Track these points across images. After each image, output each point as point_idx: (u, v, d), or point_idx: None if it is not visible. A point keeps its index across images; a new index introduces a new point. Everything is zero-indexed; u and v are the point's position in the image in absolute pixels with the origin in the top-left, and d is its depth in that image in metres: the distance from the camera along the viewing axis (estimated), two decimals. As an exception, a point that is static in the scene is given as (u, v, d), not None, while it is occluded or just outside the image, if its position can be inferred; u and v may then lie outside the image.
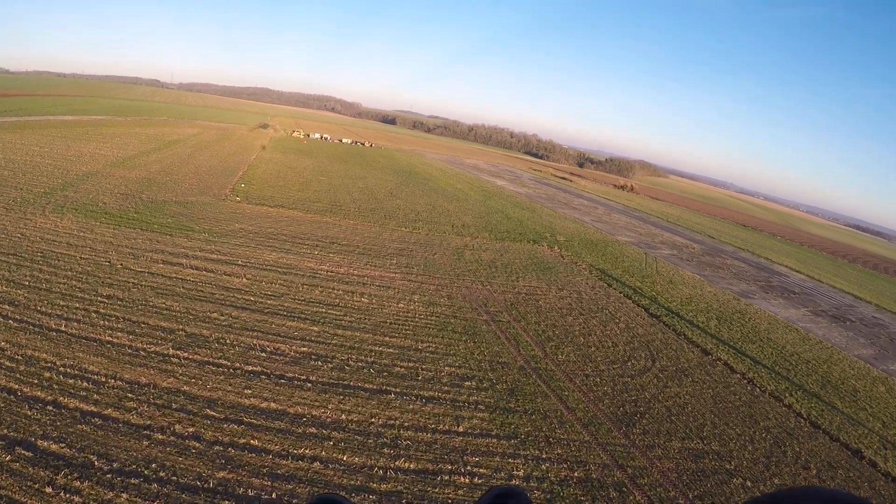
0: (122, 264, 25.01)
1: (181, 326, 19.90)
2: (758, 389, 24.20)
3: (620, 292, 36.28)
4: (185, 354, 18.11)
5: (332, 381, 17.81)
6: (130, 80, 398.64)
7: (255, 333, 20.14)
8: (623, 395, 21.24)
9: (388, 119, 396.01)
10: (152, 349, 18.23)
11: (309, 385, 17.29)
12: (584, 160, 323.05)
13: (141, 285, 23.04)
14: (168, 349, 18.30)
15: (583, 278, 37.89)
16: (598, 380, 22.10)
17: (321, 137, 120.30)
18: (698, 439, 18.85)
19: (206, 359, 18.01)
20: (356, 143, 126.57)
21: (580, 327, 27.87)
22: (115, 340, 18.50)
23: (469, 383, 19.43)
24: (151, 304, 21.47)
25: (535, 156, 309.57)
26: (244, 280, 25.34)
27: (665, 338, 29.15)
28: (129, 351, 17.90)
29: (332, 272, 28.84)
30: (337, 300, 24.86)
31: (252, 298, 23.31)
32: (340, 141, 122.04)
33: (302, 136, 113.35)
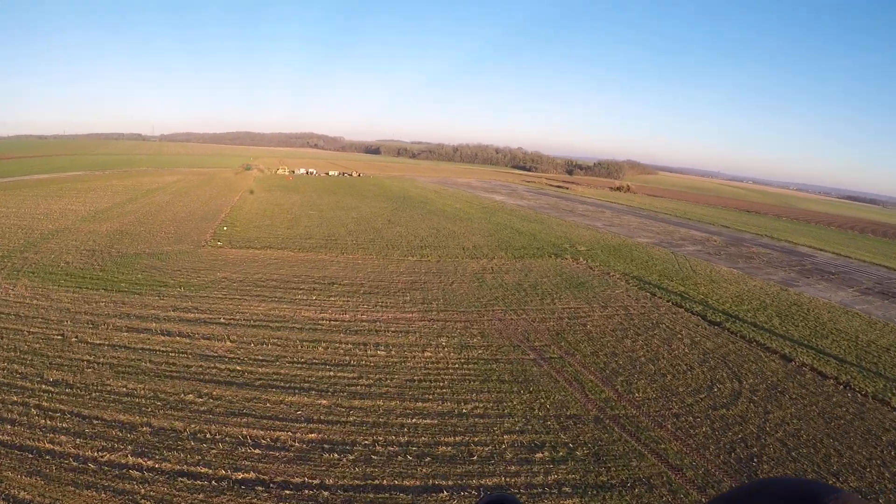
0: (77, 336, 20.13)
1: (146, 419, 14.83)
2: (859, 395, 20.65)
3: (668, 301, 31.53)
4: (150, 463, 13.08)
5: (357, 482, 12.65)
6: (113, 136, 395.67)
7: (245, 419, 15.00)
8: (726, 433, 16.56)
9: (373, 149, 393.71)
10: (105, 458, 13.25)
11: (326, 495, 12.10)
12: (572, 167, 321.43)
13: (98, 363, 18.11)
14: (126, 457, 13.26)
15: (622, 290, 33.01)
16: (692, 419, 17.26)
17: (307, 172, 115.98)
18: (831, 475, 14.86)
19: (177, 467, 12.97)
20: (343, 174, 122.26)
21: (644, 351, 22.97)
22: (56, 449, 13.54)
23: (540, 455, 14.36)
24: (109, 388, 16.47)
25: (523, 168, 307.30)
26: (228, 343, 20.26)
27: (737, 348, 24.72)
28: (74, 464, 12.92)
29: (335, 320, 23.79)
30: (347, 358, 19.77)
31: (239, 368, 18.20)
32: (327, 174, 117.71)
33: (287, 173, 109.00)
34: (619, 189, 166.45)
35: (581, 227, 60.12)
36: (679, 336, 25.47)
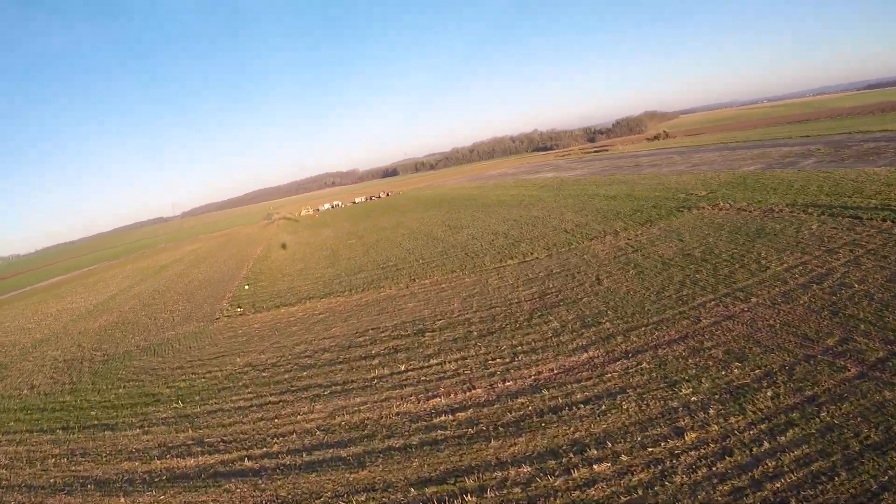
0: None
1: None
2: None
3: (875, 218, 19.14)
4: None
5: None
6: (135, 225, 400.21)
7: None
8: None
9: (390, 172, 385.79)
10: None
11: None
12: (592, 134, 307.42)
13: None
14: None
15: (815, 224, 21.07)
16: None
17: (332, 206, 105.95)
18: None
19: None
20: (370, 198, 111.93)
21: None
22: None
23: None
24: None
25: (544, 149, 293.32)
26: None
27: None
28: None
29: (462, 408, 12.37)
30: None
31: None
32: (353, 202, 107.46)
33: (311, 212, 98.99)
34: (656, 138, 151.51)
35: (670, 175, 47.23)
36: None
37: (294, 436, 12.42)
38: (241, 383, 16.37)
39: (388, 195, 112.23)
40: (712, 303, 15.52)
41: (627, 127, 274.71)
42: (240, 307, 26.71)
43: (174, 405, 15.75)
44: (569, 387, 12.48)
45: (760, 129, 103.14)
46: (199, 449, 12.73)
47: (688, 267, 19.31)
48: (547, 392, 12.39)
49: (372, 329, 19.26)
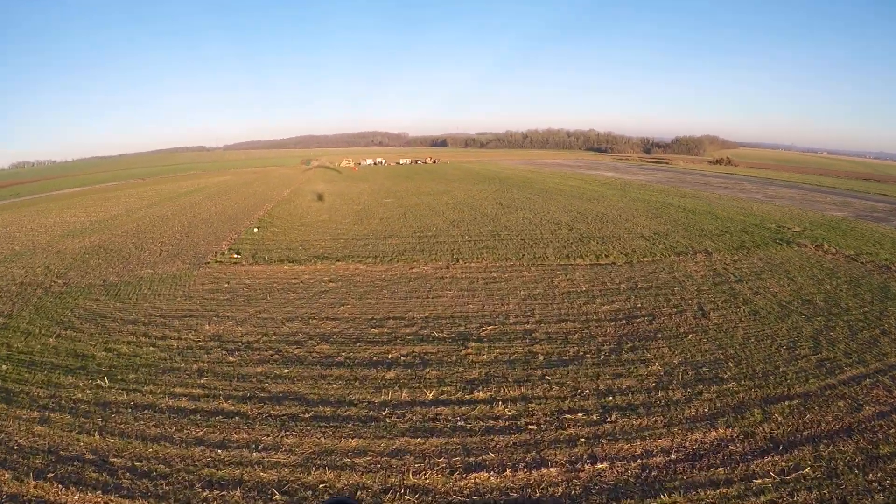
0: None
1: None
2: None
3: None
4: None
5: None
6: (178, 150, 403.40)
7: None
8: None
9: (439, 142, 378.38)
10: None
11: None
12: (650, 146, 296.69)
13: None
14: None
15: None
16: None
17: (374, 163, 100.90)
18: None
19: None
20: (416, 161, 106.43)
21: None
22: None
23: None
24: None
25: (599, 150, 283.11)
26: None
27: None
28: None
29: (535, 486, 6.72)
30: None
31: None
32: (398, 163, 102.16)
33: (352, 164, 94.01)
34: (718, 162, 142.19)
35: (748, 202, 40.54)
36: None
37: (235, 493, 7.24)
38: (195, 366, 11.30)
39: (434, 162, 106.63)
40: (867, 381, 10.15)
41: (686, 146, 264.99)
42: (238, 254, 21.76)
43: (97, 382, 10.76)
44: (700, 493, 7.06)
45: (828, 177, 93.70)
46: (92, 476, 7.71)
47: (814, 318, 13.58)
48: (666, 498, 6.99)
49: (393, 318, 13.97)
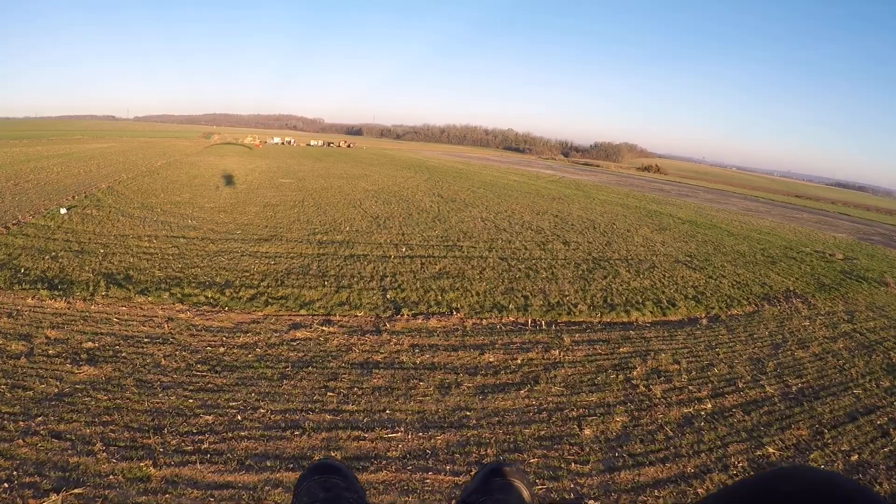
0: None
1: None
2: None
3: None
4: None
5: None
6: (84, 116, 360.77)
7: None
8: None
9: (354, 130, 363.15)
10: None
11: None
12: (568, 149, 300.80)
13: None
14: None
15: None
16: None
17: (283, 142, 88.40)
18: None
19: None
20: (329, 144, 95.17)
21: None
22: None
23: None
24: None
25: (517, 150, 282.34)
26: None
27: None
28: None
29: None
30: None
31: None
32: (308, 144, 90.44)
33: (256, 141, 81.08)
34: (647, 169, 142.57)
35: (739, 214, 35.00)
36: None
37: None
38: None
39: (349, 146, 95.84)
40: None
41: (605, 152, 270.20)
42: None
43: None
44: None
45: (768, 193, 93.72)
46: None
47: None
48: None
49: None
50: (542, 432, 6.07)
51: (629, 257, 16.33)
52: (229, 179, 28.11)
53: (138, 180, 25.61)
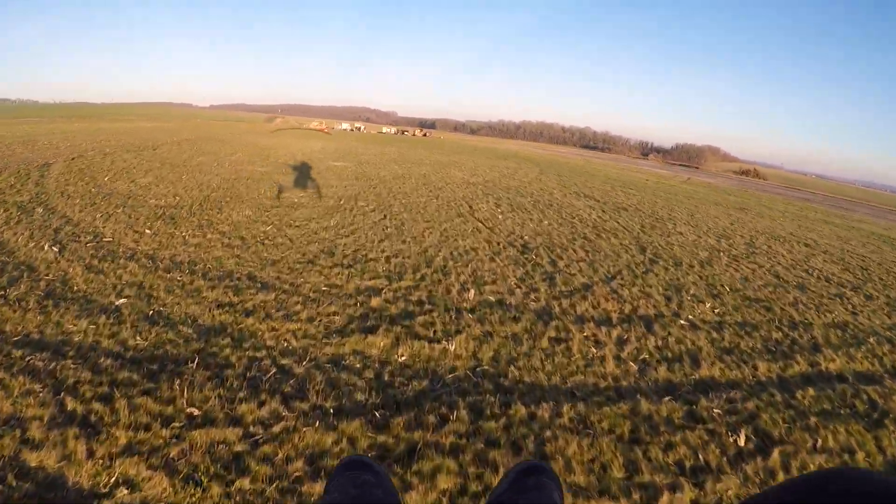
0: None
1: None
2: None
3: None
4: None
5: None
6: (162, 104, 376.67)
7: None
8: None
9: (427, 124, 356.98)
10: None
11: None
12: (648, 149, 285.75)
13: None
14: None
15: None
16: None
17: (352, 129, 79.37)
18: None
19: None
20: (403, 132, 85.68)
21: None
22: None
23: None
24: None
25: (594, 149, 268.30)
26: None
27: None
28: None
29: None
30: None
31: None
32: (380, 132, 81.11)
33: (324, 126, 72.15)
34: (745, 173, 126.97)
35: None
36: None
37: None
38: None
39: (425, 134, 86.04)
40: None
41: (686, 154, 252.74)
42: None
43: None
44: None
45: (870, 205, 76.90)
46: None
47: None
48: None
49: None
50: None
51: None
52: (255, 156, 17.87)
53: (147, 153, 15.88)
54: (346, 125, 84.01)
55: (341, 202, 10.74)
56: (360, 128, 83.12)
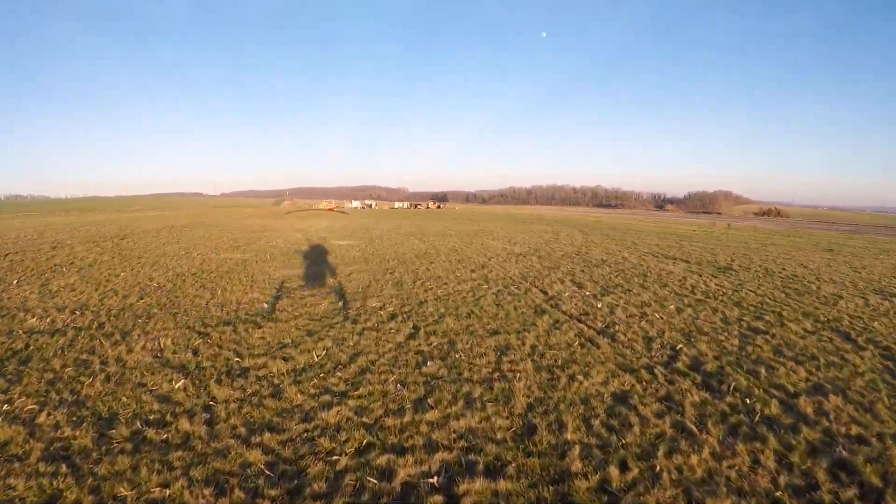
0: None
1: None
2: None
3: None
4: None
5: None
6: (173, 195, 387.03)
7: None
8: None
9: (440, 197, 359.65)
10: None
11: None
12: (661, 201, 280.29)
13: None
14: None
15: None
16: None
17: (362, 206, 76.86)
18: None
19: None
20: (416, 206, 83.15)
21: None
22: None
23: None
24: None
25: (608, 206, 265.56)
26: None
27: None
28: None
29: None
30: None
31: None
32: (392, 207, 78.59)
33: (333, 205, 69.61)
34: (766, 214, 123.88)
35: None
36: None
37: None
38: None
39: (438, 206, 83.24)
40: None
41: (700, 201, 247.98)
42: None
43: None
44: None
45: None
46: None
47: None
48: None
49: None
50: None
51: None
52: (229, 242, 14.03)
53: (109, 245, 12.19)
54: (356, 203, 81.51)
55: (340, 303, 6.63)
56: (370, 205, 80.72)
